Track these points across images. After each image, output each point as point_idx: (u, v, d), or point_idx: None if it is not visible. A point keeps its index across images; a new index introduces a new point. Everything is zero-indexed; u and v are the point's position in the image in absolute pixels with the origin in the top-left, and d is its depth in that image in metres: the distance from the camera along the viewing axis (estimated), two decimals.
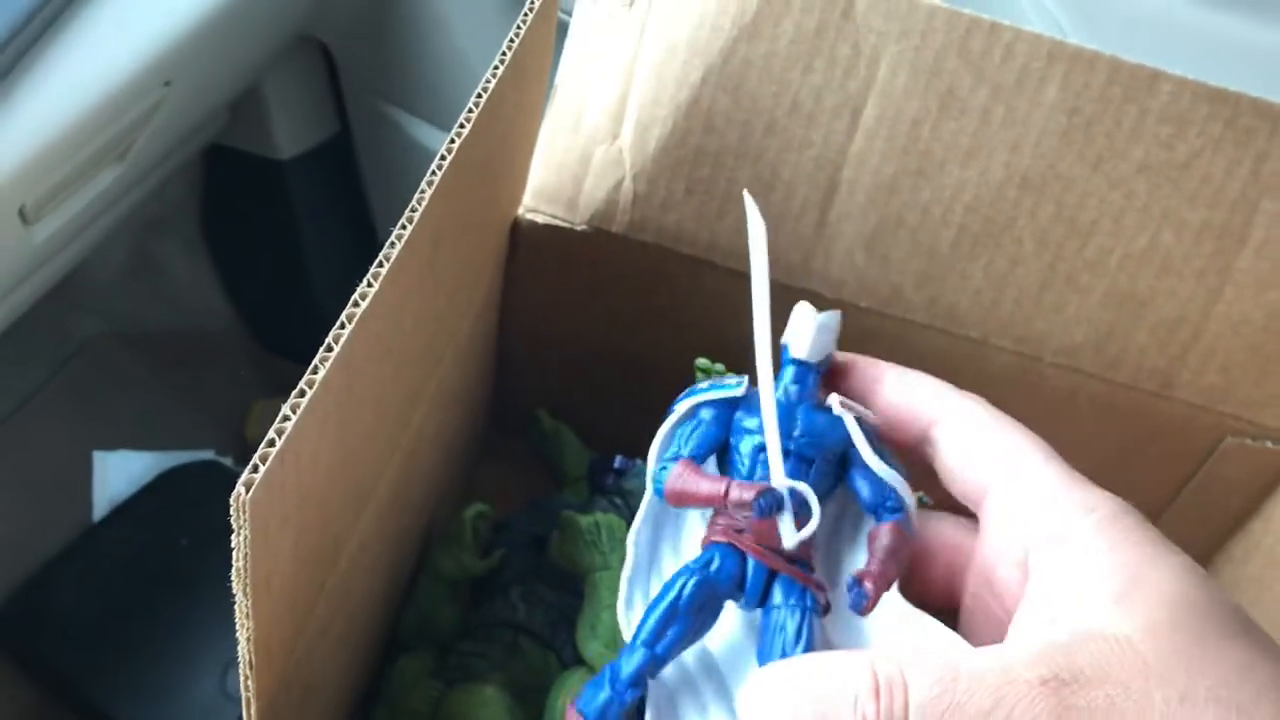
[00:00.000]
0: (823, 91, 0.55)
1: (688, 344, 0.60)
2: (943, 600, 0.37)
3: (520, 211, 0.59)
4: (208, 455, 1.19)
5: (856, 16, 0.54)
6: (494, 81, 0.43)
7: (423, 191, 0.38)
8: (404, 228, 0.37)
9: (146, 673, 1.02)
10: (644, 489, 0.58)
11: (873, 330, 0.58)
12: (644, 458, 0.63)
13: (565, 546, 0.53)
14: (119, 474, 1.15)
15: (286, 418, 0.32)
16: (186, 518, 1.12)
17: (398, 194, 1.08)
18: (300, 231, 1.11)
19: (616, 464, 0.64)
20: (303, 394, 0.32)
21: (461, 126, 0.41)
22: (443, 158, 0.40)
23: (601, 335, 0.64)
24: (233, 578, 0.33)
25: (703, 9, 0.55)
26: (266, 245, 1.15)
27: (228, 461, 1.19)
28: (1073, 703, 0.25)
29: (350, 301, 0.35)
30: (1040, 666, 0.26)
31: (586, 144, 0.58)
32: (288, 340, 1.23)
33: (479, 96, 0.42)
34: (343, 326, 0.34)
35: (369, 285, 0.35)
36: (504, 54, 0.44)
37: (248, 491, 0.30)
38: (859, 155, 0.55)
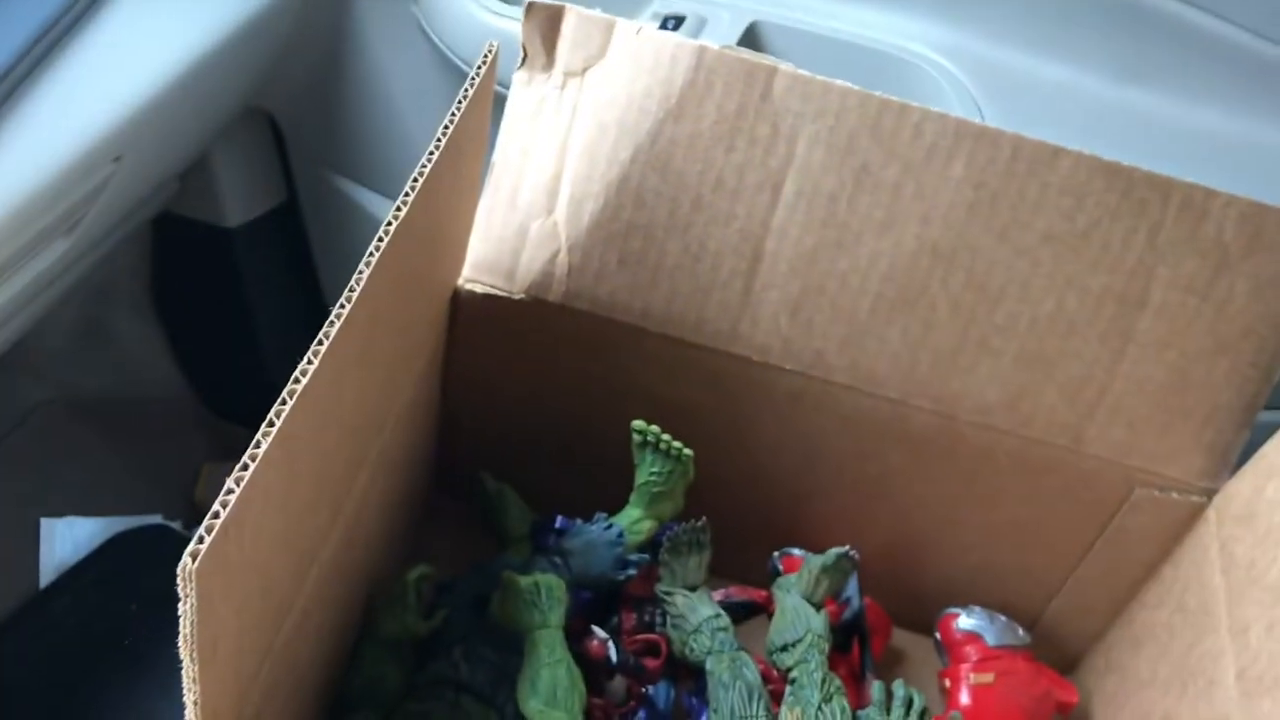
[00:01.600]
0: (745, 168, 0.58)
1: (625, 408, 0.62)
2: None
3: (460, 282, 0.62)
4: (155, 520, 1.19)
5: (775, 98, 0.57)
6: (431, 162, 0.45)
7: (361, 271, 0.41)
8: (343, 306, 0.39)
9: None
10: (584, 549, 0.61)
11: (799, 392, 0.61)
12: (583, 517, 0.66)
13: (506, 606, 0.54)
14: (65, 540, 1.15)
15: (230, 490, 0.34)
16: (135, 583, 1.12)
17: (345, 260, 1.10)
18: (249, 297, 1.13)
19: (558, 524, 0.66)
20: (245, 467, 0.34)
21: (399, 209, 0.43)
22: (380, 238, 0.42)
23: (542, 400, 0.66)
24: (179, 644, 0.35)
25: (630, 91, 0.58)
26: (215, 311, 1.16)
27: (176, 526, 1.20)
28: None
29: (291, 378, 0.37)
30: None
31: (523, 218, 0.61)
32: (237, 405, 1.24)
33: (416, 179, 0.44)
34: (284, 403, 0.36)
35: (309, 362, 0.37)
36: (441, 134, 0.46)
37: (194, 561, 0.32)
38: (780, 228, 0.59)
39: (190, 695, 0.37)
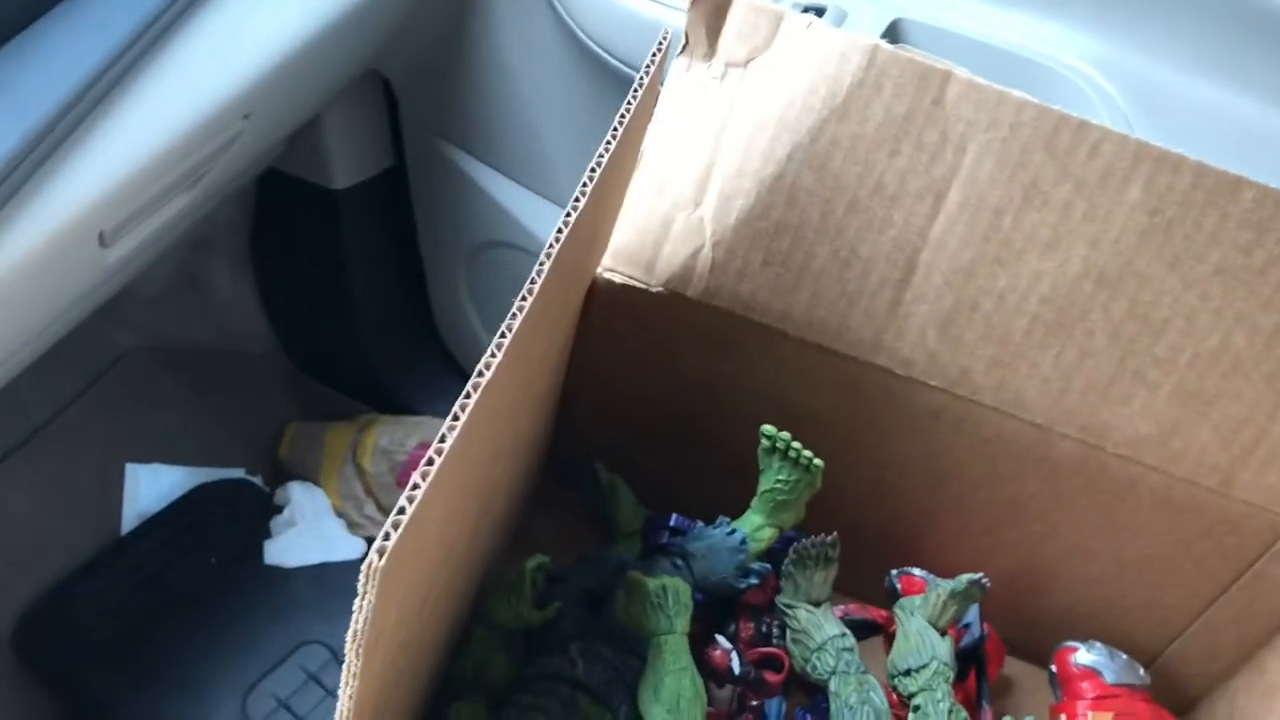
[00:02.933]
0: (907, 174, 0.56)
1: (754, 411, 0.61)
2: None
3: (599, 270, 0.60)
4: (238, 473, 1.19)
5: (947, 104, 0.55)
6: (605, 158, 0.44)
7: (541, 263, 0.39)
8: (524, 299, 0.38)
9: (167, 694, 1.02)
10: (707, 552, 0.60)
11: (939, 410, 0.59)
12: (700, 518, 0.64)
13: (632, 608, 0.53)
14: (150, 488, 1.16)
15: (416, 485, 0.32)
16: (214, 536, 1.12)
17: (448, 228, 1.09)
18: (347, 260, 1.12)
19: (673, 522, 0.64)
20: (431, 462, 0.33)
21: (574, 205, 0.42)
22: (556, 235, 0.41)
23: (667, 396, 0.65)
24: (347, 639, 0.33)
25: (793, 88, 0.56)
26: (312, 271, 1.16)
27: (257, 480, 1.20)
28: None
29: (475, 371, 0.35)
30: None
31: (669, 209, 0.59)
32: (324, 364, 1.24)
33: (589, 176, 0.43)
34: (468, 395, 0.35)
35: (492, 355, 0.36)
36: (614, 130, 0.45)
37: (380, 559, 0.31)
38: (939, 239, 0.56)
39: (347, 690, 0.36)
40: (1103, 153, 0.54)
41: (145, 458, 1.17)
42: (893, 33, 0.82)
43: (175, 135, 0.66)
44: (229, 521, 1.14)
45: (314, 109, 0.91)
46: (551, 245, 0.40)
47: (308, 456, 1.18)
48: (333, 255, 1.12)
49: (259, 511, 1.14)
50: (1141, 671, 0.64)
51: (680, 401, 0.65)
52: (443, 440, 0.33)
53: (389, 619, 0.35)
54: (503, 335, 0.36)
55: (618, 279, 0.60)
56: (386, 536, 0.31)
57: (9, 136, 0.57)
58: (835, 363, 0.60)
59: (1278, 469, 0.57)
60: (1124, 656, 0.65)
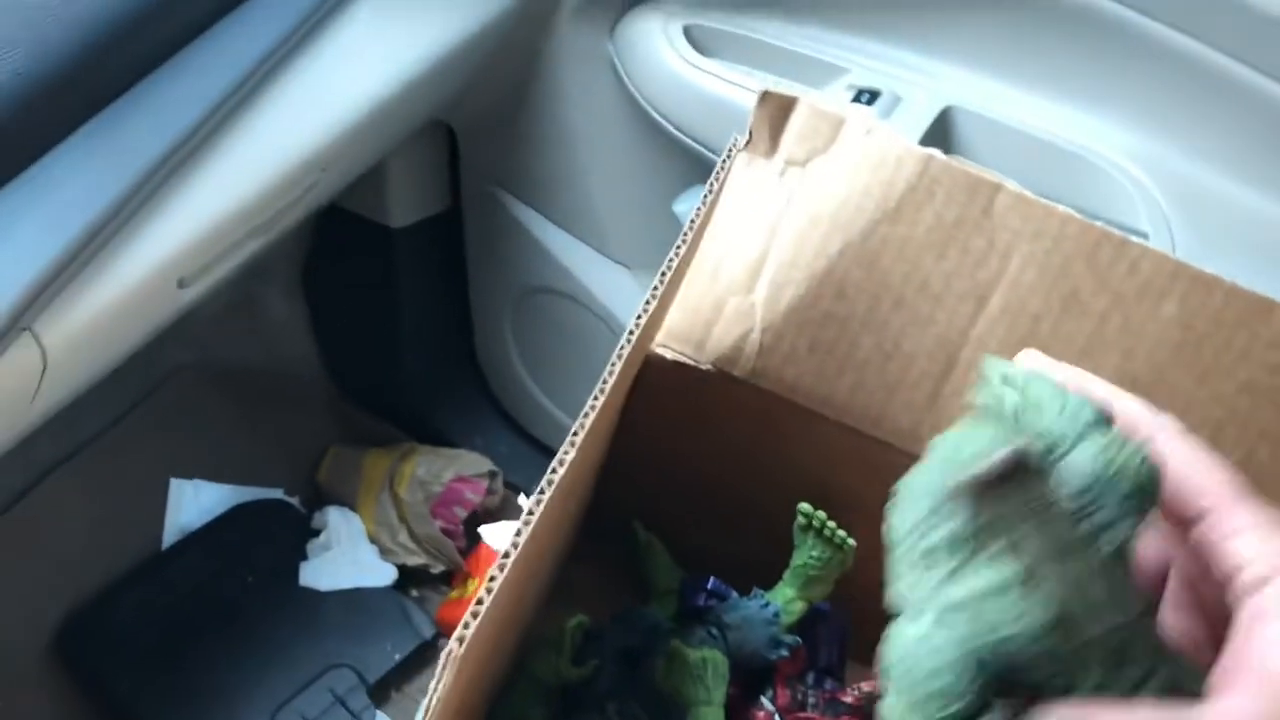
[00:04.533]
0: (953, 277, 0.59)
1: (792, 489, 0.63)
2: None
3: (652, 346, 0.63)
4: (278, 494, 1.23)
5: (995, 214, 0.58)
6: (683, 248, 0.47)
7: (622, 348, 0.42)
8: (603, 384, 0.41)
9: (201, 707, 1.05)
10: (741, 624, 0.62)
11: None
12: (733, 581, 0.67)
13: (672, 677, 0.56)
14: (192, 503, 1.20)
15: (493, 577, 0.35)
16: (252, 554, 1.16)
17: (498, 271, 1.13)
18: (398, 294, 1.16)
19: (710, 584, 0.67)
20: (508, 556, 0.36)
21: (654, 293, 0.45)
22: (639, 317, 0.44)
23: (709, 466, 0.67)
24: (419, 713, 0.36)
25: (849, 189, 0.59)
26: (363, 302, 1.19)
27: (295, 501, 1.23)
28: None
29: (549, 469, 0.38)
30: None
31: (722, 293, 0.62)
32: (369, 393, 1.27)
33: (668, 265, 0.46)
34: (554, 471, 0.38)
35: (568, 448, 0.39)
36: (691, 221, 0.48)
37: (460, 646, 0.34)
38: (979, 339, 0.59)
39: None
40: (1142, 269, 0.57)
41: (190, 474, 1.21)
42: (943, 119, 0.85)
43: (254, 193, 0.69)
44: (266, 541, 1.18)
45: (382, 155, 0.95)
46: (631, 332, 0.43)
47: (346, 482, 1.21)
48: (384, 288, 1.16)
49: (296, 533, 1.18)
50: None
51: (721, 472, 0.67)
52: (518, 535, 0.36)
53: (456, 697, 0.38)
54: (580, 424, 0.39)
55: (669, 355, 0.63)
56: (466, 625, 0.34)
57: (108, 190, 0.60)
58: (873, 448, 0.62)
59: None
60: None
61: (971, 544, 0.33)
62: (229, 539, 1.17)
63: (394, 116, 0.82)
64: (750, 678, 0.64)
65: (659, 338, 0.64)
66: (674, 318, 0.63)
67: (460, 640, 0.34)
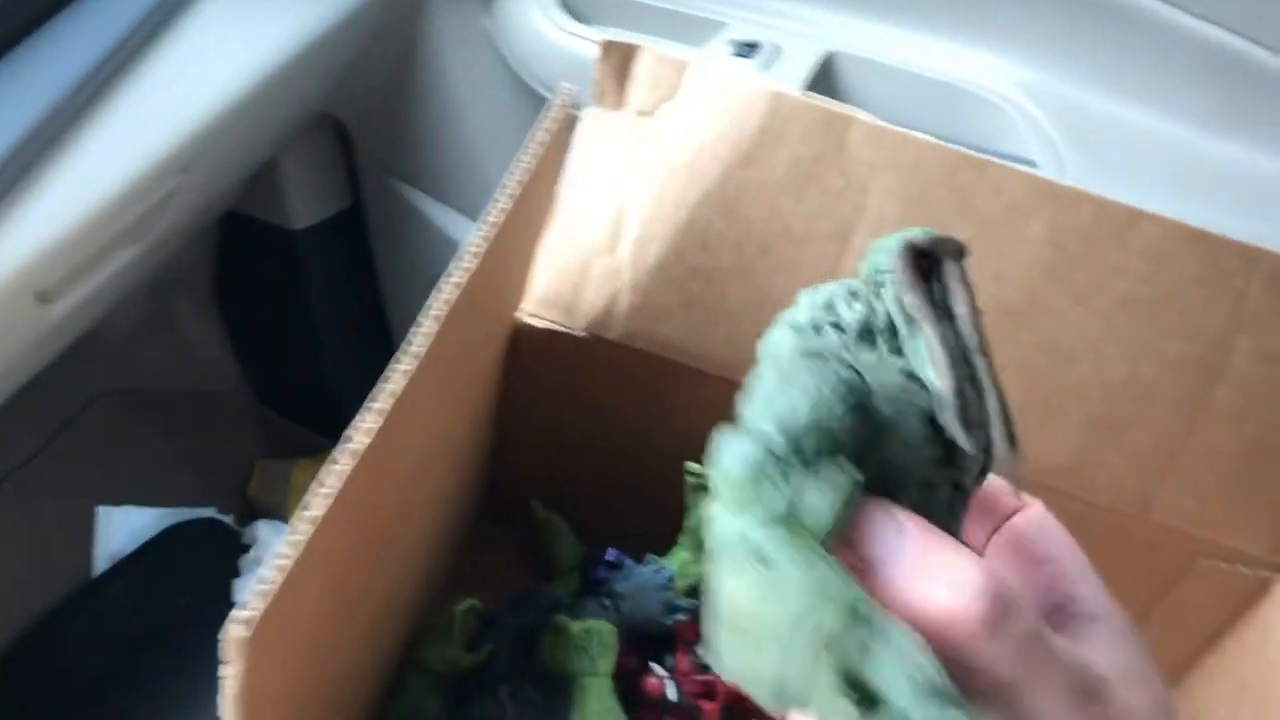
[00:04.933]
0: (814, 218, 0.57)
1: (679, 449, 0.61)
2: None
3: (520, 315, 0.61)
4: (209, 513, 1.20)
5: (850, 148, 0.56)
6: (505, 196, 0.45)
7: (430, 305, 0.40)
8: (410, 343, 0.39)
9: None
10: (635, 591, 0.60)
11: None
12: (635, 554, 0.65)
13: (556, 651, 0.54)
14: (121, 529, 1.17)
15: (284, 556, 0.33)
16: (186, 575, 1.13)
17: (406, 266, 1.10)
18: (310, 298, 1.13)
19: (610, 557, 0.66)
20: (295, 533, 0.34)
21: (474, 245, 0.43)
22: (451, 272, 0.42)
23: (596, 435, 0.66)
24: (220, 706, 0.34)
25: (701, 136, 0.57)
26: (276, 309, 1.17)
27: (229, 520, 1.21)
28: None
29: (343, 437, 0.36)
30: None
31: (586, 255, 0.60)
32: (292, 402, 1.25)
33: (490, 216, 0.44)
34: (347, 442, 0.36)
35: (363, 420, 0.37)
36: (515, 168, 0.46)
37: (247, 630, 0.32)
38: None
39: None
40: (1004, 190, 0.55)
41: (117, 500, 1.19)
42: (827, 66, 0.83)
43: (109, 193, 0.67)
44: (199, 561, 1.15)
45: (262, 156, 0.92)
46: (442, 285, 0.41)
47: (275, 494, 1.19)
48: (295, 293, 1.14)
49: (228, 551, 1.15)
50: None
51: (609, 440, 0.66)
52: (306, 509, 0.34)
53: (269, 684, 0.36)
54: (384, 380, 0.37)
55: (540, 324, 0.61)
56: (246, 608, 0.32)
57: None
58: None
59: (1191, 492, 0.58)
60: None
61: None
62: (159, 562, 1.15)
63: (262, 112, 0.80)
64: (652, 645, 0.62)
65: (527, 306, 0.62)
66: (540, 284, 0.61)
67: (246, 623, 0.32)
